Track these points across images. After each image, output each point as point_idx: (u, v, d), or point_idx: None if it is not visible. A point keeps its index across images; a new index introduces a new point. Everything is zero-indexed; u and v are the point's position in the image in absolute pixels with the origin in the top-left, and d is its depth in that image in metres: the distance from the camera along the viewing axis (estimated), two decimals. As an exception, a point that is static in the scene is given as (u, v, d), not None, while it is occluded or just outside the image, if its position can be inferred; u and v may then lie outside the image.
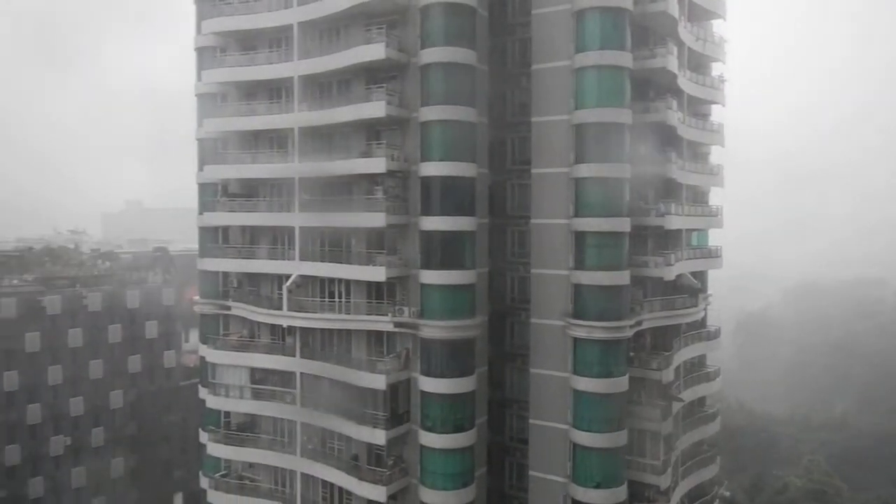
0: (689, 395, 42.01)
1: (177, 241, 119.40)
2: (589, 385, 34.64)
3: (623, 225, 34.65)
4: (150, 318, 79.84)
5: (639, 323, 36.35)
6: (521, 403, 39.33)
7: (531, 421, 37.47)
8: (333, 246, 39.98)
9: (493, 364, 40.02)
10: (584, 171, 34.67)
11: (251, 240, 43.55)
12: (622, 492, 35.15)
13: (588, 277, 34.69)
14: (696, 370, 44.67)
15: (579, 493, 35.05)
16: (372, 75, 37.91)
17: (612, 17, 34.22)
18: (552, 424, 36.38)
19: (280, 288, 40.99)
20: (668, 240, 39.53)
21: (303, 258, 40.17)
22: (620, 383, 34.80)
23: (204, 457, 45.52)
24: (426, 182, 35.86)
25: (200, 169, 45.19)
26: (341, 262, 38.72)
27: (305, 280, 40.41)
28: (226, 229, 44.63)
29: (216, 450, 43.61)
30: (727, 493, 46.93)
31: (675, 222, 38.14)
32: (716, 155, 45.96)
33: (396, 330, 37.21)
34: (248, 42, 42.25)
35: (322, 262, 39.55)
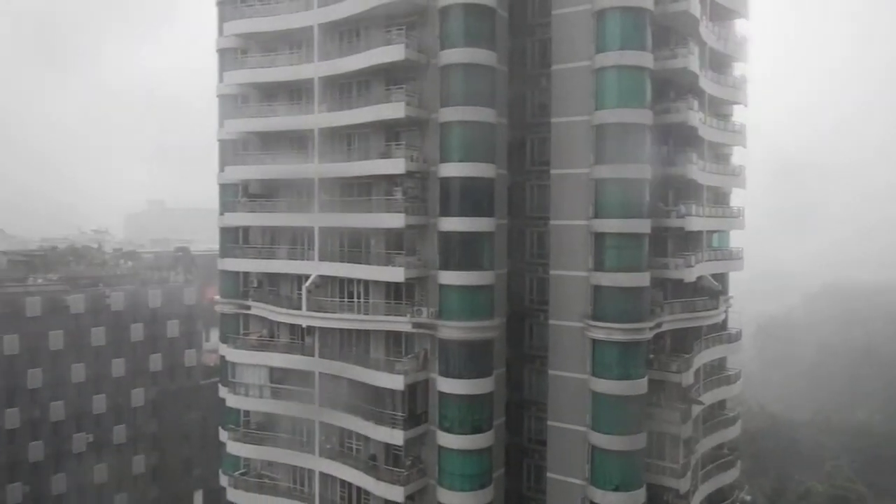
0: (709, 398, 41.63)
1: (198, 241, 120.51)
2: (608, 387, 34.44)
3: (643, 226, 34.43)
4: (172, 317, 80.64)
5: (658, 325, 36.09)
6: (539, 405, 39.21)
7: (549, 423, 37.33)
8: (352, 246, 40.14)
9: (512, 365, 39.94)
10: (604, 171, 34.49)
11: (271, 240, 43.84)
12: (641, 495, 34.89)
13: (608, 279, 34.50)
14: (717, 373, 44.25)
15: (598, 495, 34.84)
16: (391, 76, 38.02)
17: (633, 17, 34.02)
18: (570, 426, 36.21)
19: (299, 288, 41.22)
20: (688, 241, 39.23)
21: (322, 258, 40.38)
22: (639, 385, 34.57)
23: (224, 455, 45.90)
24: (445, 183, 35.88)
25: (221, 170, 45.58)
26: (360, 263, 38.87)
27: (324, 280, 40.61)
28: (246, 230, 44.97)
29: (236, 448, 43.93)
30: (748, 498, 46.42)
31: (695, 224, 37.82)
32: (737, 155, 45.59)
33: (415, 330, 37.27)
34: (269, 44, 42.54)
35: (341, 262, 39.73)
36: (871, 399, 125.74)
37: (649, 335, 35.01)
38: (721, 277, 42.99)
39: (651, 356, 36.27)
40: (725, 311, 43.84)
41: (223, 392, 45.44)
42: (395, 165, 36.55)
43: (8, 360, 67.50)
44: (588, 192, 35.21)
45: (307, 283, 40.44)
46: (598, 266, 34.87)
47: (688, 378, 36.96)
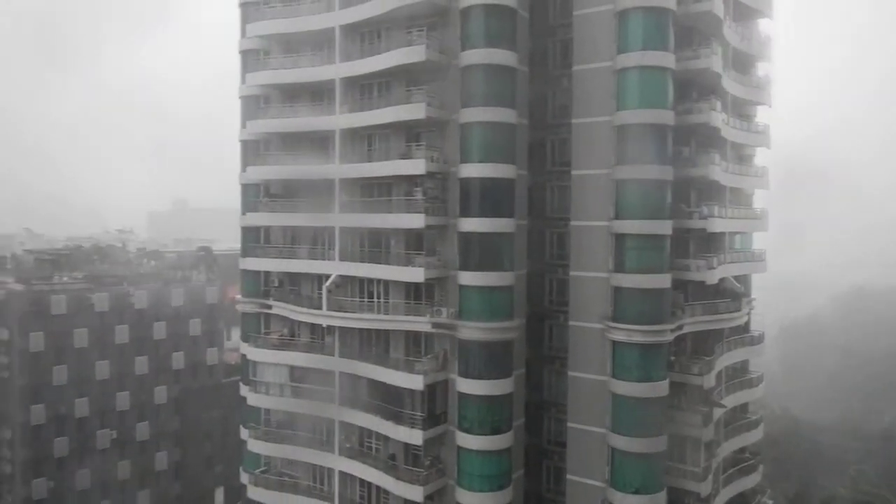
0: (731, 401, 41.24)
1: (220, 241, 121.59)
2: (628, 389, 34.25)
3: (664, 227, 34.20)
4: (194, 315, 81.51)
5: (680, 327, 35.83)
6: (558, 406, 39.09)
7: (569, 424, 37.21)
8: (373, 246, 40.30)
9: (531, 366, 39.86)
10: (626, 172, 34.31)
11: (292, 240, 44.14)
12: (661, 498, 34.65)
13: (628, 280, 34.32)
14: (739, 376, 43.85)
15: (618, 498, 34.67)
16: (412, 77, 38.13)
17: (656, 17, 33.82)
18: (590, 428, 36.07)
19: (320, 288, 41.46)
20: (710, 243, 38.89)
21: (342, 258, 40.60)
22: (660, 388, 34.35)
23: (244, 453, 46.29)
24: (465, 183, 35.91)
25: (243, 170, 45.98)
26: (380, 263, 39.01)
27: (345, 280, 40.82)
28: (267, 229, 45.35)
29: (256, 446, 44.28)
30: (770, 502, 45.89)
31: (717, 225, 37.48)
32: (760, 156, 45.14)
33: (434, 331, 37.33)
34: (290, 45, 42.84)
35: (361, 262, 39.90)
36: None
37: (670, 337, 34.77)
38: (744, 279, 42.60)
39: (672, 358, 36.01)
40: (748, 314, 43.41)
41: (244, 390, 45.82)
42: (416, 166, 36.65)
43: (34, 357, 68.66)
44: (609, 192, 35.04)
45: (328, 283, 40.68)
46: (619, 267, 34.70)
47: (709, 381, 36.65)
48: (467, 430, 36.06)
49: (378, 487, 39.78)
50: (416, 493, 36.66)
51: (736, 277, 40.69)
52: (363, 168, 39.63)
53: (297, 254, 43.28)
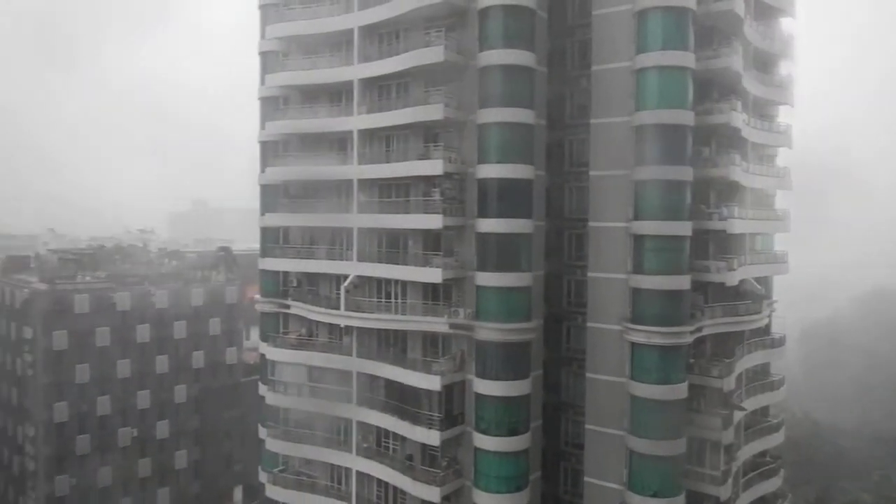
0: (751, 403, 40.85)
1: (239, 241, 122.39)
2: (647, 391, 34.04)
3: (684, 228, 33.94)
4: (214, 315, 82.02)
5: (699, 329, 35.55)
6: (576, 408, 38.94)
7: (587, 426, 37.05)
8: (390, 247, 40.39)
9: (549, 367, 39.75)
10: (645, 173, 34.10)
11: (311, 240, 44.32)
12: (680, 501, 34.37)
13: (647, 282, 34.10)
14: (760, 378, 43.39)
15: (636, 501, 34.42)
16: (430, 78, 38.17)
17: (675, 16, 33.59)
18: (608, 430, 35.88)
19: (338, 288, 41.63)
20: (730, 244, 38.53)
21: (360, 259, 40.73)
22: (679, 390, 34.08)
23: (263, 452, 46.56)
24: (483, 184, 35.88)
25: (262, 171, 46.28)
26: (398, 264, 39.08)
27: (363, 280, 40.94)
28: (286, 230, 45.58)
29: (275, 445, 44.54)
30: (791, 507, 45.48)
31: (738, 226, 37.12)
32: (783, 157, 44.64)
33: (452, 331, 37.33)
34: (309, 46, 43.05)
35: (379, 262, 40.01)
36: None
37: (689, 339, 34.51)
38: (764, 281, 42.14)
39: (691, 360, 35.75)
40: (769, 316, 42.95)
41: (263, 390, 46.12)
42: (434, 167, 36.68)
43: (57, 355, 69.51)
44: (628, 193, 34.86)
45: (346, 283, 40.82)
46: (638, 268, 34.49)
47: (729, 383, 36.33)
48: (484, 432, 36.02)
49: (395, 488, 39.87)
50: (433, 493, 36.68)
51: (757, 279, 40.25)
52: (381, 169, 39.73)
53: (315, 254, 43.48)
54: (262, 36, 45.93)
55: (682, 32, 33.64)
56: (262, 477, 46.49)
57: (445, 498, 37.16)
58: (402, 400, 38.99)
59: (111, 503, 72.95)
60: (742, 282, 38.32)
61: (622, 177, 35.13)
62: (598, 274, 36.53)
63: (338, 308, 41.26)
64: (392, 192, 40.38)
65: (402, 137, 40.01)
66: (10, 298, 75.98)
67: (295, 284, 44.96)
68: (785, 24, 43.22)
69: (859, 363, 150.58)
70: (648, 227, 34.03)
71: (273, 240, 46.16)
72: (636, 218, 34.49)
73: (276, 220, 45.10)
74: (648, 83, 33.99)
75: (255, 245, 49.77)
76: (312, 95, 43.62)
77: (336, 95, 42.61)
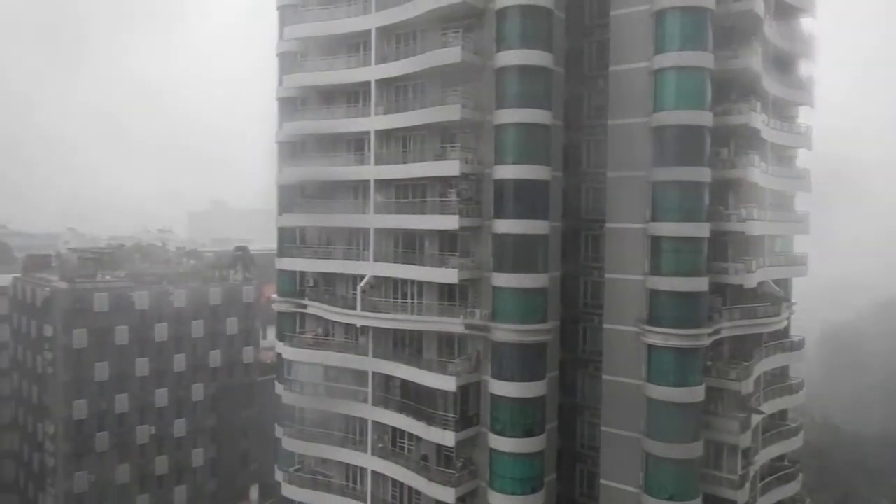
0: (769, 407, 40.42)
1: (257, 241, 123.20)
2: (663, 394, 33.81)
3: (702, 230, 33.69)
4: (231, 314, 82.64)
5: (717, 331, 35.25)
6: (592, 410, 38.77)
7: (603, 428, 36.86)
8: (407, 247, 40.46)
9: (565, 369, 39.62)
10: (662, 174, 33.88)
11: (327, 240, 44.52)
12: (697, 505, 34.15)
13: (664, 283, 33.88)
14: (778, 382, 42.95)
15: (652, 504, 34.26)
16: (447, 79, 38.18)
17: (694, 16, 33.36)
18: (625, 433, 35.67)
19: (354, 288, 41.76)
20: (749, 246, 38.16)
21: (377, 259, 40.84)
22: (696, 393, 33.82)
23: (279, 451, 46.80)
24: (499, 185, 35.84)
25: (280, 171, 46.55)
26: (414, 264, 39.13)
27: (379, 281, 41.04)
28: (303, 230, 45.81)
29: (291, 444, 44.76)
30: (809, 512, 44.98)
31: (756, 228, 36.74)
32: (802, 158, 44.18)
33: (467, 332, 37.31)
34: (327, 47, 43.24)
35: (395, 263, 40.08)
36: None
37: (707, 341, 34.23)
38: (784, 283, 41.72)
39: (709, 363, 35.45)
40: (788, 318, 42.48)
41: (279, 389, 46.37)
42: (450, 167, 36.70)
43: (77, 353, 70.31)
44: (645, 194, 34.66)
45: (362, 284, 40.94)
46: (655, 270, 34.28)
47: (747, 386, 36.01)
48: (500, 433, 35.96)
49: (410, 488, 39.89)
50: (447, 494, 36.66)
51: (776, 281, 39.86)
52: (398, 169, 39.82)
53: (332, 254, 43.66)
54: (280, 37, 46.20)
55: (700, 32, 33.41)
56: (278, 476, 46.72)
57: (460, 499, 37.12)
58: (417, 400, 39.02)
59: (129, 500, 73.66)
60: (761, 284, 37.95)
61: (639, 178, 34.94)
62: (615, 275, 36.34)
63: (354, 308, 41.38)
64: (409, 193, 40.44)
65: (419, 138, 40.07)
66: (32, 297, 77.03)
67: (311, 284, 45.17)
68: (806, 23, 42.79)
69: (881, 368, 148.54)
70: (666, 229, 33.82)
71: (290, 240, 46.42)
72: (653, 219, 34.29)
73: (294, 220, 45.35)
74: (666, 84, 33.78)
75: (273, 245, 50.09)
76: (330, 96, 43.82)
77: (353, 96, 42.78)
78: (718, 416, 35.82)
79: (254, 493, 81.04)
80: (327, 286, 44.58)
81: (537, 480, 36.22)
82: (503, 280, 35.69)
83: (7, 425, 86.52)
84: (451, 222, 36.55)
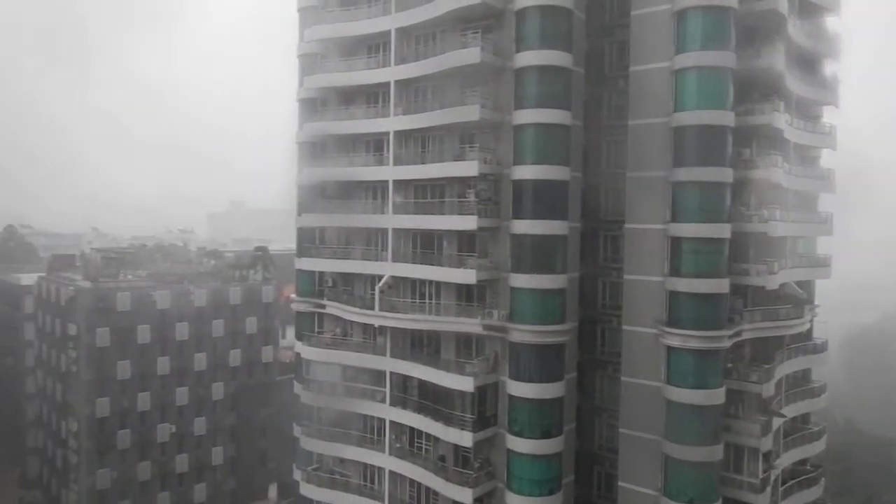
0: (791, 410, 39.96)
1: (276, 241, 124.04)
2: (683, 396, 33.51)
3: (723, 231, 33.37)
4: (251, 314, 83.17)
5: (738, 333, 34.90)
6: (610, 412, 38.56)
7: (621, 430, 36.63)
8: (425, 248, 40.50)
9: (583, 370, 39.44)
10: (683, 174, 33.61)
11: (346, 240, 44.69)
12: (717, 509, 33.82)
13: (684, 285, 33.59)
14: (800, 385, 42.44)
15: (671, 507, 33.97)
16: (466, 79, 38.17)
17: (716, 15, 33.06)
18: (643, 435, 35.42)
19: (373, 288, 41.87)
20: (771, 247, 37.71)
21: (395, 259, 40.92)
22: (716, 395, 33.50)
23: (297, 450, 47.04)
24: (518, 185, 35.77)
25: (299, 172, 46.80)
26: (433, 264, 39.15)
27: (397, 281, 41.11)
28: (322, 230, 46.02)
29: (309, 444, 44.98)
30: (832, 518, 44.40)
31: (779, 229, 36.30)
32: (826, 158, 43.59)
33: (485, 333, 37.26)
34: (346, 48, 43.44)
35: (414, 263, 40.13)
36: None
37: (728, 343, 33.89)
38: (806, 285, 41.21)
39: (729, 365, 35.10)
40: (810, 321, 41.97)
41: (298, 388, 46.61)
42: (469, 168, 36.68)
43: (100, 351, 71.12)
44: (665, 195, 34.39)
45: (380, 284, 41.04)
46: (675, 271, 34.01)
47: (768, 389, 35.60)
48: (517, 434, 35.87)
49: (427, 488, 39.91)
50: (465, 495, 36.63)
51: (798, 283, 39.38)
52: (417, 170, 39.87)
53: (350, 254, 43.83)
54: (301, 38, 46.47)
55: (722, 32, 33.10)
56: (297, 475, 46.98)
57: (478, 500, 37.08)
58: (435, 401, 39.05)
59: (150, 497, 74.41)
60: (783, 286, 37.50)
61: (660, 178, 34.69)
62: (634, 276, 36.11)
63: (372, 308, 41.50)
64: (427, 193, 40.48)
65: (438, 138, 40.11)
66: (56, 296, 78.11)
67: (330, 284, 45.35)
68: (830, 22, 42.21)
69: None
70: (686, 230, 33.54)
71: (309, 240, 46.66)
72: (674, 220, 34.02)
73: (313, 220, 45.57)
74: (688, 84, 33.51)
75: (292, 245, 50.37)
76: (349, 97, 43.98)
77: (372, 97, 42.92)
78: (739, 418, 35.48)
79: (272, 491, 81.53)
80: (346, 286, 44.74)
81: (555, 482, 36.08)
82: (521, 281, 35.59)
83: (32, 422, 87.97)
84: (469, 223, 36.53)
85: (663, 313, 34.41)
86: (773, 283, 35.90)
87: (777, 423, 37.40)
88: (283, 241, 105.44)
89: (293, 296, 48.85)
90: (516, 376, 35.94)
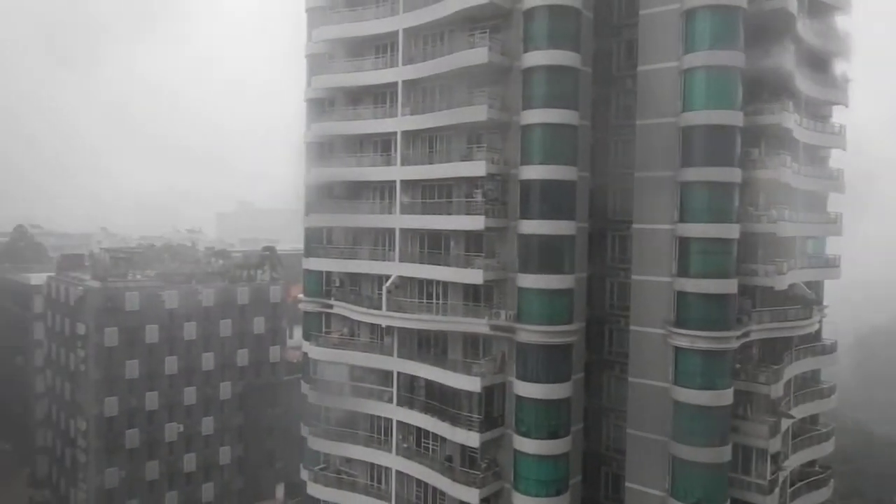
0: (799, 411, 39.78)
1: (284, 241, 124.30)
2: (691, 397, 33.39)
3: (731, 231, 33.24)
4: (258, 314, 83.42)
5: (746, 334, 34.75)
6: (618, 412, 38.45)
7: (629, 431, 36.52)
8: (432, 248, 40.50)
9: (591, 371, 39.36)
10: (691, 174, 33.49)
11: (353, 240, 44.74)
12: (725, 510, 33.68)
13: (692, 285, 33.47)
14: (809, 386, 42.23)
15: (679, 508, 33.84)
16: (474, 79, 38.15)
17: (725, 15, 32.94)
18: (651, 436, 35.31)
19: (380, 288, 41.89)
20: (780, 247, 37.54)
21: (402, 259, 40.93)
22: (724, 396, 33.36)
23: (304, 450, 47.11)
24: (526, 185, 35.72)
25: (307, 172, 46.87)
26: (440, 265, 39.13)
27: (404, 281, 41.12)
28: (330, 230, 46.08)
29: (316, 444, 45.04)
30: (841, 520, 44.17)
31: (788, 229, 36.16)
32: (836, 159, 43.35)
33: (492, 333, 37.23)
34: (354, 49, 43.48)
35: (421, 263, 40.14)
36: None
37: (736, 344, 33.75)
38: (815, 285, 41.00)
39: (738, 366, 34.95)
40: (819, 321, 41.77)
41: (305, 388, 46.67)
42: (477, 168, 36.66)
43: (108, 351, 71.46)
44: (673, 195, 34.28)
45: (387, 284, 41.06)
46: (683, 271, 33.89)
47: (777, 390, 35.43)
48: (524, 434, 35.82)
49: (434, 488, 39.90)
50: (472, 495, 36.61)
51: (807, 283, 39.18)
52: (424, 170, 39.88)
53: (358, 254, 43.87)
54: (309, 39, 46.54)
55: (731, 31, 32.97)
56: (304, 474, 46.99)
57: (484, 500, 37.05)
58: (442, 401, 39.04)
59: (158, 497, 74.75)
60: (792, 286, 37.32)
61: (668, 178, 34.58)
62: (642, 276, 36.01)
63: (379, 308, 41.52)
64: (435, 193, 40.49)
65: (446, 138, 40.10)
66: (65, 295, 78.55)
67: (337, 284, 45.41)
68: (840, 21, 41.96)
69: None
70: (694, 230, 33.41)
71: (317, 240, 46.72)
72: (682, 220, 33.91)
73: (320, 220, 45.63)
74: (696, 83, 33.40)
75: (300, 245, 50.40)
76: (357, 97, 44.02)
77: (380, 97, 42.94)
78: (747, 419, 35.33)
79: (279, 491, 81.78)
80: (353, 286, 44.78)
81: (562, 483, 36.02)
82: (529, 281, 35.55)
83: (41, 421, 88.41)
84: (476, 223, 36.51)
85: (671, 314, 34.30)
86: (781, 283, 35.74)
87: (786, 424, 37.24)
88: (291, 241, 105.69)
89: (301, 296, 48.96)
90: (523, 376, 35.89)
